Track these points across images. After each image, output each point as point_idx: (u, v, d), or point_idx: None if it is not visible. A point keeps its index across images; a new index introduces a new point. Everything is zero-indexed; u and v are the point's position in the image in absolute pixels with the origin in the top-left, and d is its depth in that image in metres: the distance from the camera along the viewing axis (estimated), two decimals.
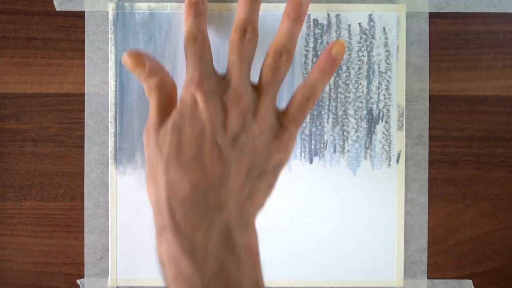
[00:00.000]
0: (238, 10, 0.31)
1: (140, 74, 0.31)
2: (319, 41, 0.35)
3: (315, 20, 0.35)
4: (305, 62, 0.35)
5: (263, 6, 0.35)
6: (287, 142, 0.31)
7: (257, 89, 0.31)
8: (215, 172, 0.28)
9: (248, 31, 0.31)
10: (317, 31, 0.35)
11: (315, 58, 0.35)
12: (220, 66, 0.35)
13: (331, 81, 0.35)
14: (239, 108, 0.29)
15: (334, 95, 0.35)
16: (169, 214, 0.28)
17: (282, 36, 0.31)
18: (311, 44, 0.35)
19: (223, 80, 0.31)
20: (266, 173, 0.30)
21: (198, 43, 0.31)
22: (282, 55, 0.30)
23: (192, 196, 0.28)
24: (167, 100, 0.31)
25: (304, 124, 0.35)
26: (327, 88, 0.35)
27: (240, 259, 0.28)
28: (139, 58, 0.31)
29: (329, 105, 0.35)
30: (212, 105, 0.29)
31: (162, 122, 0.30)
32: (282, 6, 0.35)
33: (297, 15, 0.31)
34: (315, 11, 0.35)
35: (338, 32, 0.35)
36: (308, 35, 0.35)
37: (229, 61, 0.31)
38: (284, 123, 0.31)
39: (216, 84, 0.30)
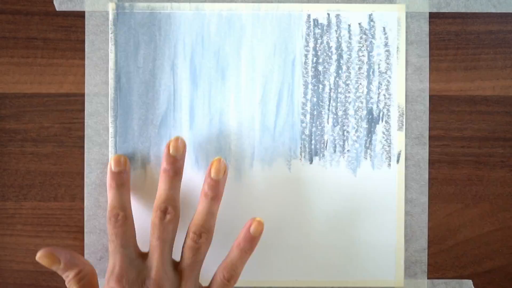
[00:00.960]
0: (159, 188, 0.33)
1: (57, 269, 0.32)
2: (319, 41, 0.35)
3: (315, 20, 0.35)
4: (305, 62, 0.35)
5: (262, 6, 0.35)
6: None
7: (178, 270, 0.32)
8: None
9: (169, 212, 0.32)
10: (317, 31, 0.35)
11: (315, 58, 0.35)
12: (220, 66, 0.35)
13: (331, 81, 0.35)
14: None
15: (334, 95, 0.35)
16: None
17: (201, 215, 0.32)
18: (311, 44, 0.35)
19: (144, 269, 0.31)
20: None
21: (119, 224, 0.32)
22: (202, 236, 0.32)
23: None
24: (89, 286, 0.32)
25: (304, 124, 0.35)
26: (327, 88, 0.35)
27: None
28: (53, 255, 0.32)
29: (329, 105, 0.35)
30: None
31: None
32: (282, 6, 0.35)
33: (214, 194, 0.32)
34: (315, 11, 0.35)
35: (338, 32, 0.35)
36: (308, 35, 0.35)
37: (151, 243, 0.32)
38: None
39: (136, 275, 0.31)
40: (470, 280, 0.36)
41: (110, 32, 0.35)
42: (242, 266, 0.32)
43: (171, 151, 0.33)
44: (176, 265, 0.32)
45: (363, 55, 0.35)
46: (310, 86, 0.35)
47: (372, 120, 0.35)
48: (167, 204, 0.32)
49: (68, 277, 0.32)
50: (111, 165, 0.33)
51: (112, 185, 0.33)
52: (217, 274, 0.32)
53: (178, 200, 0.32)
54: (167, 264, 0.32)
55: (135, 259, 0.32)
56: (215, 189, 0.32)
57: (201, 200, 0.33)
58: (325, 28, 0.35)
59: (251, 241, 0.32)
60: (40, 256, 0.32)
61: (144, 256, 0.32)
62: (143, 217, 0.35)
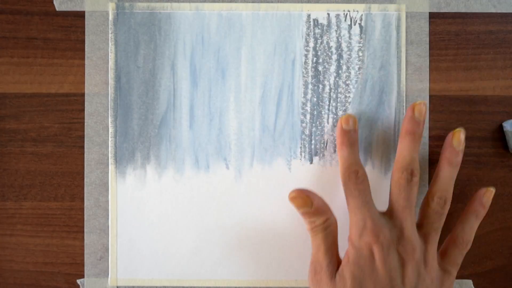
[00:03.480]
0: (401, 149, 0.32)
1: (306, 213, 0.31)
2: (319, 41, 0.35)
3: (315, 20, 0.35)
4: (305, 62, 0.35)
5: (262, 6, 0.35)
6: (450, 285, 0.32)
7: (422, 234, 0.32)
8: None
9: (414, 174, 0.31)
10: (317, 31, 0.35)
11: (315, 58, 0.35)
12: (220, 66, 0.35)
13: (331, 81, 0.35)
14: (414, 260, 0.31)
15: (334, 95, 0.35)
16: None
17: (444, 182, 0.32)
18: (311, 44, 0.35)
19: (393, 226, 0.31)
20: None
21: (360, 180, 0.32)
22: (446, 201, 0.32)
23: None
24: (331, 240, 0.32)
25: (304, 124, 0.35)
26: (327, 88, 0.35)
27: None
28: (308, 197, 0.31)
29: (329, 105, 0.35)
30: (390, 259, 0.30)
31: (332, 264, 0.31)
32: (282, 6, 0.35)
33: (457, 161, 0.32)
34: (315, 11, 0.35)
35: (338, 32, 0.35)
36: (308, 35, 0.35)
37: (397, 204, 0.32)
38: (446, 268, 0.32)
39: (389, 233, 0.31)
40: (470, 280, 0.36)
41: (110, 32, 0.35)
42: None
43: (416, 114, 0.32)
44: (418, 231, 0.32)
45: (363, 55, 0.35)
46: (310, 86, 0.35)
47: (372, 120, 0.35)
48: (413, 167, 0.31)
49: (315, 222, 0.31)
50: (342, 123, 0.33)
51: (345, 142, 0.33)
52: (456, 238, 0.32)
53: (418, 164, 0.32)
54: (415, 227, 0.32)
55: (382, 219, 0.31)
56: (459, 156, 0.32)
57: (443, 166, 0.32)
58: (325, 28, 0.35)
59: (483, 206, 0.33)
60: (293, 196, 0.31)
61: (382, 215, 0.32)
62: (144, 218, 0.35)
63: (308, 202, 0.31)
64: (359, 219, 0.31)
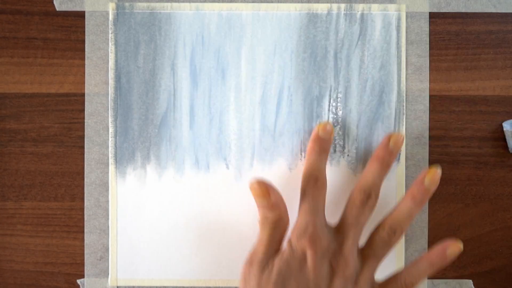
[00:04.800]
0: (366, 172, 0.32)
1: (263, 204, 0.31)
2: (319, 41, 0.35)
3: (315, 20, 0.35)
4: (305, 62, 0.35)
5: (262, 6, 0.35)
6: None
7: (362, 256, 0.32)
8: None
9: (371, 198, 0.32)
10: (317, 31, 0.35)
11: (315, 58, 0.35)
12: (220, 66, 0.35)
13: (332, 81, 0.35)
14: (344, 276, 0.30)
15: (334, 95, 0.35)
16: None
17: (401, 214, 0.32)
18: (311, 44, 0.35)
19: (334, 238, 0.31)
20: None
21: (318, 187, 0.32)
22: (396, 233, 0.31)
23: None
24: (277, 238, 0.31)
25: (304, 124, 0.35)
26: (327, 88, 0.35)
27: None
28: (268, 188, 0.31)
29: (329, 105, 0.35)
30: (320, 267, 0.30)
31: (267, 258, 0.31)
32: (282, 6, 0.35)
33: (422, 199, 0.32)
34: (315, 11, 0.35)
35: (338, 32, 0.35)
36: (308, 35, 0.35)
37: (345, 220, 0.32)
38: None
39: (327, 243, 0.31)
40: (470, 280, 0.36)
41: (110, 32, 0.35)
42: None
43: (391, 144, 0.33)
44: (359, 250, 0.32)
45: (363, 55, 0.35)
46: (310, 86, 0.35)
47: (372, 120, 0.35)
48: (372, 190, 0.32)
49: (267, 218, 0.31)
50: (319, 130, 0.33)
51: (315, 148, 0.33)
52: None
53: (379, 189, 0.32)
54: (356, 245, 0.31)
55: (325, 227, 0.31)
56: (424, 195, 0.32)
57: (406, 200, 0.32)
58: (325, 28, 0.35)
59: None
60: (254, 186, 0.31)
61: (329, 228, 0.32)
62: (144, 218, 0.35)
63: (266, 194, 0.31)
64: (303, 222, 0.31)
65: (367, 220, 0.32)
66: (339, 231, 0.32)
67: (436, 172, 0.32)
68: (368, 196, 0.31)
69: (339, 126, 0.35)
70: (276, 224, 0.31)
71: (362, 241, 0.32)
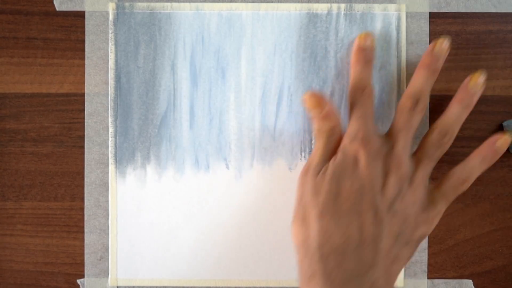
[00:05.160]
0: (414, 78, 0.32)
1: (316, 114, 0.32)
2: (319, 41, 0.35)
3: (315, 20, 0.35)
4: (305, 62, 0.35)
5: (262, 6, 0.35)
6: (434, 217, 0.32)
7: (415, 158, 0.32)
8: (369, 231, 0.30)
9: (420, 103, 0.32)
10: (317, 30, 0.35)
11: (315, 58, 0.35)
12: (220, 66, 0.35)
13: (332, 81, 0.35)
14: (398, 175, 0.31)
15: (335, 95, 0.35)
16: (321, 262, 0.29)
17: (450, 118, 0.32)
18: (311, 44, 0.35)
19: (386, 142, 0.32)
20: (410, 242, 0.31)
21: (366, 95, 0.32)
22: (446, 135, 0.32)
23: (346, 249, 0.29)
24: (331, 147, 0.32)
25: (304, 124, 0.35)
26: (327, 88, 0.35)
27: None
28: (321, 99, 0.32)
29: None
30: (373, 166, 0.30)
31: (322, 164, 0.31)
32: (282, 6, 0.35)
33: (468, 102, 0.32)
34: (315, 11, 0.35)
35: (338, 32, 0.35)
36: (308, 35, 0.35)
37: (396, 125, 0.32)
38: (434, 198, 0.32)
39: (379, 145, 0.31)
40: (470, 280, 0.36)
41: (110, 32, 0.35)
42: (478, 174, 0.32)
43: (436, 49, 0.32)
44: (413, 155, 0.32)
45: None
46: (310, 86, 0.35)
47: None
48: (421, 96, 0.32)
49: (321, 128, 0.32)
50: (360, 41, 0.33)
51: (360, 59, 0.33)
52: (453, 174, 0.32)
53: (428, 96, 0.32)
54: (408, 147, 0.31)
55: (376, 132, 0.32)
56: (472, 98, 0.32)
57: (454, 105, 0.32)
58: (325, 28, 0.35)
59: (494, 153, 0.32)
60: (309, 96, 0.32)
61: (380, 133, 0.32)
62: (144, 218, 0.35)
63: (321, 104, 0.32)
64: (354, 128, 0.31)
65: (417, 124, 0.32)
66: (391, 135, 0.32)
67: (480, 76, 0.32)
68: (417, 101, 0.31)
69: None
70: (329, 133, 0.31)
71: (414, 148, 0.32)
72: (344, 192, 0.30)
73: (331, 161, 0.31)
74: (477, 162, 0.32)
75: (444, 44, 0.33)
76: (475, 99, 0.32)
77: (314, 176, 0.31)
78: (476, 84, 0.32)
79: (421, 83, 0.32)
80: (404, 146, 0.31)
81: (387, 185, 0.30)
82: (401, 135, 0.31)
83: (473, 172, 0.32)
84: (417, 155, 0.32)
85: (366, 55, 0.33)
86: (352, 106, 0.32)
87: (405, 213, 0.30)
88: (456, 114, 0.32)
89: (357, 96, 0.32)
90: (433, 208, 0.32)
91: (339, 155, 0.31)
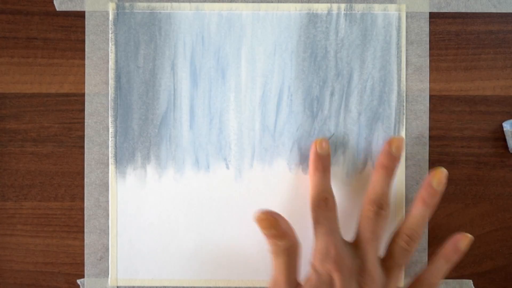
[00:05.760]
0: (373, 182, 0.32)
1: (272, 233, 0.31)
2: (319, 41, 0.35)
3: (315, 20, 0.35)
4: (305, 62, 0.35)
5: (262, 6, 0.35)
6: None
7: (385, 268, 0.32)
8: None
9: (384, 208, 0.32)
10: (317, 31, 0.35)
11: (315, 58, 0.35)
12: (220, 66, 0.35)
13: (332, 81, 0.35)
14: None
15: (335, 95, 0.35)
16: None
17: (415, 220, 0.32)
18: (311, 44, 0.35)
19: (356, 256, 0.31)
20: None
21: (329, 208, 0.32)
22: (414, 240, 0.32)
23: None
24: (293, 264, 0.32)
25: (304, 124, 0.35)
26: (327, 88, 0.35)
27: None
28: (274, 220, 0.31)
29: (329, 105, 0.35)
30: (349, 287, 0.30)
31: (290, 285, 0.31)
32: (282, 6, 0.35)
33: (433, 202, 0.32)
34: (315, 11, 0.35)
35: (338, 32, 0.35)
36: (308, 35, 0.35)
37: (363, 235, 0.32)
38: None
39: (351, 263, 0.31)
40: (470, 280, 0.36)
41: (110, 32, 0.35)
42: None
43: (393, 150, 0.33)
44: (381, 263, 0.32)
45: (363, 55, 0.35)
46: (310, 86, 0.35)
47: (372, 120, 0.35)
48: (383, 201, 0.32)
49: (278, 245, 0.31)
50: (317, 147, 0.33)
51: (319, 168, 0.33)
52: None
53: (390, 197, 0.32)
54: (378, 260, 0.32)
55: (345, 246, 0.32)
56: (434, 198, 0.32)
57: (418, 205, 0.32)
58: (325, 28, 0.35)
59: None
60: (260, 218, 0.31)
61: (348, 245, 0.32)
62: (144, 218, 0.35)
63: (274, 224, 0.31)
64: (323, 246, 0.31)
65: (383, 231, 0.32)
66: (359, 247, 0.32)
67: (443, 173, 0.32)
68: (380, 206, 0.32)
69: (339, 126, 0.35)
70: (289, 250, 0.31)
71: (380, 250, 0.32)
72: None
73: (306, 284, 0.31)
74: (442, 264, 0.32)
75: (400, 143, 0.33)
76: (439, 197, 0.32)
77: None
78: (439, 181, 0.32)
79: (381, 186, 0.32)
80: (374, 259, 0.31)
81: None
82: (370, 246, 0.31)
83: (440, 274, 0.32)
84: (386, 265, 0.32)
85: (323, 162, 0.33)
86: (316, 221, 0.32)
87: None
88: (421, 215, 0.32)
89: (320, 210, 0.32)
90: None
91: (312, 277, 0.31)
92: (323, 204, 0.32)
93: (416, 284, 0.32)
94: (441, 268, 0.32)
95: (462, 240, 0.32)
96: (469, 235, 0.32)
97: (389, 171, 0.33)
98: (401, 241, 0.32)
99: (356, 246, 0.32)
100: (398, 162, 0.33)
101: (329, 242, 0.31)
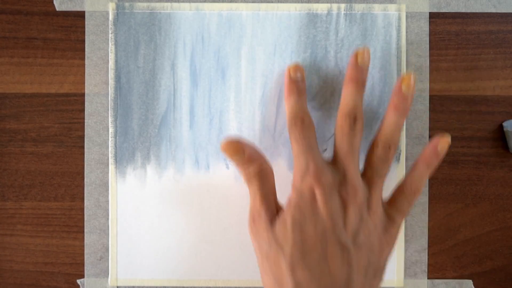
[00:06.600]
0: (344, 96, 0.32)
1: (239, 161, 0.31)
2: (319, 41, 0.35)
3: (315, 20, 0.35)
4: (305, 62, 0.35)
5: (262, 6, 0.35)
6: (395, 234, 0.31)
7: (366, 179, 0.31)
8: (342, 275, 0.29)
9: (358, 120, 0.31)
10: (317, 31, 0.35)
11: (315, 58, 0.35)
12: (220, 66, 0.35)
13: (332, 81, 0.35)
14: (356, 204, 0.30)
15: (335, 95, 0.35)
16: None
17: (390, 128, 0.31)
18: (311, 44, 0.35)
19: (336, 171, 0.31)
20: (378, 271, 0.31)
21: (305, 126, 0.31)
22: (391, 148, 0.31)
23: None
24: (268, 187, 0.31)
25: None
26: (327, 88, 0.35)
27: None
28: (239, 145, 0.31)
29: (329, 105, 0.35)
30: (331, 201, 0.30)
31: (270, 211, 0.30)
32: (282, 6, 0.35)
33: (404, 107, 0.31)
34: (315, 11, 0.35)
35: (338, 32, 0.35)
36: (308, 35, 0.35)
37: (340, 150, 0.31)
38: (391, 215, 0.31)
39: (332, 177, 0.30)
40: (470, 280, 0.36)
41: (110, 32, 0.35)
42: (426, 180, 0.32)
43: (359, 61, 0.32)
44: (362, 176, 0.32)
45: None
46: (310, 86, 0.35)
47: (372, 120, 0.35)
48: (356, 112, 0.31)
49: (248, 170, 0.31)
50: (290, 72, 0.33)
51: (293, 91, 0.32)
52: (404, 186, 0.32)
53: (362, 111, 0.32)
54: (358, 171, 0.31)
55: (324, 163, 0.31)
56: (405, 103, 0.31)
57: (390, 113, 0.31)
58: (325, 28, 0.35)
59: (436, 156, 0.31)
60: (225, 146, 0.31)
61: (327, 161, 0.31)
62: (144, 218, 0.35)
63: (239, 149, 0.31)
64: (302, 163, 0.30)
65: (359, 143, 0.31)
66: (338, 161, 0.31)
67: (410, 77, 0.31)
68: (354, 119, 0.31)
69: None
70: (260, 174, 0.31)
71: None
72: (309, 238, 0.29)
73: (286, 207, 0.30)
74: (423, 169, 0.32)
75: (364, 54, 0.32)
76: (410, 102, 0.32)
77: (267, 224, 0.30)
78: (408, 86, 0.31)
79: (353, 99, 0.31)
80: (354, 171, 0.31)
81: (348, 217, 0.30)
82: (349, 160, 0.31)
83: (422, 179, 0.31)
84: (367, 175, 0.31)
85: (298, 85, 0.33)
86: (293, 140, 0.31)
87: (370, 241, 0.30)
88: (394, 122, 0.31)
89: (297, 129, 0.31)
90: (392, 226, 0.31)
91: (293, 196, 0.30)
92: (299, 123, 0.31)
93: (399, 192, 0.32)
94: (423, 174, 0.31)
95: (441, 143, 0.31)
96: (447, 138, 0.31)
97: (359, 83, 0.32)
98: (378, 150, 0.31)
99: (335, 161, 0.31)
100: (366, 73, 0.32)
101: (308, 158, 0.30)
